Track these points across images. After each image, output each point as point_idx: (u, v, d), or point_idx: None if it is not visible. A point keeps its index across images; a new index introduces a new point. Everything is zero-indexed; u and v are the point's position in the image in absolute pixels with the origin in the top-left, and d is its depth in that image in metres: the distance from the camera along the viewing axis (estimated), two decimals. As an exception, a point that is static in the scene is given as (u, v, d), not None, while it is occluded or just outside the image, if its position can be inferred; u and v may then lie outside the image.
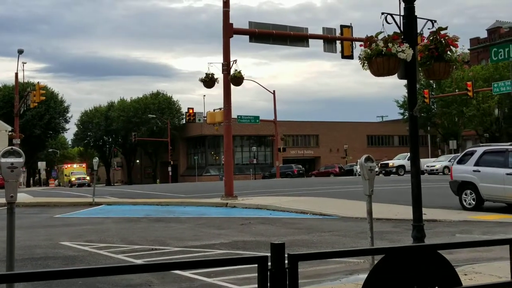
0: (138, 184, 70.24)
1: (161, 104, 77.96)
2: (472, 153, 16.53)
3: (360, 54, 7.20)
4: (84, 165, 76.90)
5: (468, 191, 16.07)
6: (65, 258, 9.95)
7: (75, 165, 75.98)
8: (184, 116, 63.04)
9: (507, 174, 14.48)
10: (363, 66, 7.16)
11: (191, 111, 53.61)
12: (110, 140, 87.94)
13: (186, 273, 8.20)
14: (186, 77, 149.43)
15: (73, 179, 66.37)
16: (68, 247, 11.20)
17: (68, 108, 77.47)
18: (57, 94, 76.55)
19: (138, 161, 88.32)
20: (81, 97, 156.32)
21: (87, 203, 22.96)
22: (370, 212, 7.34)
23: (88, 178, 67.54)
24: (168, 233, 13.19)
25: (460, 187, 16.35)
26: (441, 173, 44.82)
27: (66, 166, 75.03)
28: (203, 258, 9.38)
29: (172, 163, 71.97)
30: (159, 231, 13.67)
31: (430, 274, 3.38)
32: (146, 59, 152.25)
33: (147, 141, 75.80)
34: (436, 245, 3.49)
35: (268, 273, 3.03)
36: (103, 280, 7.73)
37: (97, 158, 26.21)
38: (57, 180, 77.53)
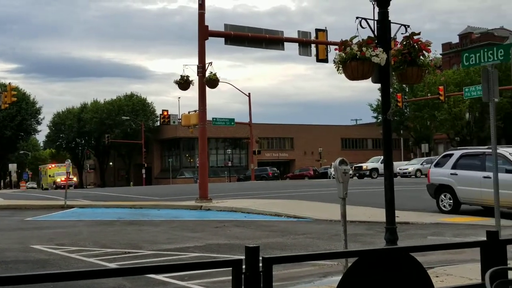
0: (111, 186, 69.42)
1: (135, 106, 77.31)
2: (449, 156, 16.74)
3: (335, 58, 7.26)
4: (68, 164, 74.36)
5: (445, 194, 16.26)
6: (36, 261, 9.78)
7: (60, 165, 69.27)
8: (159, 118, 62.65)
9: (484, 177, 14.66)
10: (337, 70, 7.22)
11: (165, 113, 53.29)
12: (83, 142, 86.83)
13: (160, 277, 8.13)
14: (160, 79, 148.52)
15: (58, 180, 61.94)
16: (39, 250, 11.00)
17: (40, 110, 76.25)
18: (29, 95, 75.28)
19: (111, 163, 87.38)
20: (52, 98, 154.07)
21: (59, 206, 22.61)
22: (344, 214, 7.38)
23: (75, 179, 64.05)
24: (141, 236, 13.07)
25: (437, 190, 16.54)
26: (414, 176, 45.39)
27: (50, 166, 70.52)
28: (177, 262, 9.31)
29: (146, 166, 71.37)
30: (132, 234, 13.53)
31: (402, 276, 3.42)
32: (120, 61, 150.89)
33: (121, 143, 75.06)
34: (408, 247, 3.52)
35: (243, 276, 3.02)
36: (75, 284, 7.61)
37: (69, 160, 25.84)
38: (39, 182, 72.81)
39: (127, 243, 11.87)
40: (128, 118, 72.96)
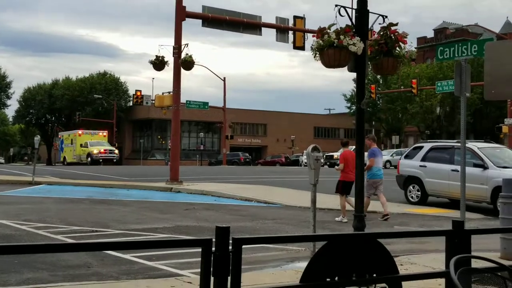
0: (80, 165, 68.56)
1: (108, 85, 76.27)
2: (419, 149, 16.99)
3: (312, 45, 7.27)
4: (104, 133, 55.33)
5: (414, 186, 16.53)
6: (1, 236, 9.63)
7: (93, 133, 54.47)
8: (131, 98, 61.89)
9: (452, 170, 14.94)
10: (314, 57, 7.23)
11: (138, 93, 52.66)
12: (53, 119, 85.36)
13: (127, 256, 8.10)
14: (132, 59, 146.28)
15: (95, 151, 47.85)
16: (5, 225, 10.84)
17: (10, 84, 74.60)
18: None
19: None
20: (21, 73, 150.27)
21: (27, 182, 22.24)
22: (314, 201, 7.45)
23: (116, 151, 50.31)
24: (110, 215, 12.98)
25: (406, 181, 16.80)
26: (383, 167, 45.97)
27: (79, 133, 52.88)
28: (146, 239, 9.30)
29: (117, 146, 70.64)
30: (101, 213, 13.42)
31: (369, 262, 3.47)
32: (91, 38, 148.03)
33: (92, 121, 74.05)
34: (376, 233, 3.58)
35: (212, 256, 3.03)
36: (41, 261, 7.53)
37: (38, 136, 25.39)
38: (61, 154, 56.59)
39: (95, 221, 11.78)
40: (100, 96, 71.96)
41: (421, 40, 78.87)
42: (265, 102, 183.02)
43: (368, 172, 13.12)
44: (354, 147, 7.83)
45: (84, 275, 7.03)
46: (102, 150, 48.35)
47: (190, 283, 6.43)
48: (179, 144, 25.14)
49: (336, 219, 12.82)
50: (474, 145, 15.59)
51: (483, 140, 18.21)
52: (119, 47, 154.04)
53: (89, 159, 47.53)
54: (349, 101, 71.96)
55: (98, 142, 50.74)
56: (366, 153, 10.36)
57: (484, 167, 14.66)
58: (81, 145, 50.07)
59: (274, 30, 24.91)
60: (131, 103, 70.86)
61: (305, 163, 8.32)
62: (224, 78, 56.65)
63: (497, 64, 7.87)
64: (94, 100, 73.92)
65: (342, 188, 13.01)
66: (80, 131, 53.41)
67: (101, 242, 2.90)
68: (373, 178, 13.32)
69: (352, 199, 12.86)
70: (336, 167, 14.18)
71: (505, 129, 45.01)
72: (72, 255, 7.87)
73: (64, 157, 54.19)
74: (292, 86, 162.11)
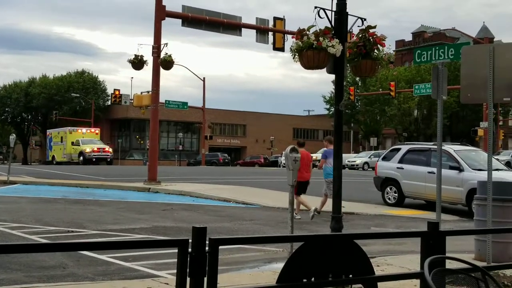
0: (56, 165, 67.71)
1: (86, 83, 75.45)
2: (396, 151, 17.15)
3: (291, 46, 7.29)
4: (97, 130, 52.42)
5: (391, 187, 16.67)
6: (-26, 237, 9.46)
7: (83, 130, 50.56)
8: (110, 98, 61.32)
9: (429, 172, 15.09)
10: (293, 58, 7.26)
11: (117, 92, 52.19)
12: (30, 117, 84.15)
13: (103, 257, 8.02)
14: (110, 58, 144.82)
15: (88, 150, 44.33)
16: (-23, 226, 10.65)
17: (-15, 81, 73.29)
18: (-26, 65, 72.19)
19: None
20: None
21: (1, 181, 21.88)
22: (292, 202, 7.47)
23: (110, 150, 46.59)
24: (86, 215, 12.83)
25: (384, 183, 16.94)
26: (361, 169, 46.41)
27: (71, 130, 49.24)
28: (122, 239, 9.22)
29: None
30: (77, 213, 13.27)
31: (345, 263, 3.49)
32: (69, 36, 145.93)
33: (69, 120, 73.15)
34: (352, 234, 3.59)
35: (189, 256, 3.01)
36: (15, 262, 7.42)
37: (14, 135, 25.01)
38: (50, 153, 52.27)
39: (71, 221, 11.64)
40: (78, 95, 71.18)
41: (400, 43, 79.70)
42: (245, 102, 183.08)
43: (324, 172, 13.98)
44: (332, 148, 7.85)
45: (59, 276, 6.94)
46: (95, 149, 44.91)
47: (167, 284, 6.39)
48: (158, 144, 24.98)
49: (297, 217, 13.04)
50: (450, 147, 15.79)
51: (459, 143, 18.46)
52: (98, 46, 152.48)
53: (81, 158, 44.35)
54: (328, 102, 72.35)
55: (90, 140, 47.33)
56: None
57: (459, 169, 14.86)
58: (72, 143, 46.43)
59: (254, 31, 24.94)
60: (109, 102, 70.27)
61: (284, 164, 8.40)
62: (204, 78, 56.52)
63: (473, 68, 7.98)
64: (71, 99, 73.10)
65: (298, 188, 13.18)
66: (70, 128, 50.12)
67: (76, 242, 2.85)
68: (329, 177, 13.43)
69: (304, 199, 13.57)
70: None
71: (480, 132, 45.75)
72: (47, 256, 7.77)
73: (53, 156, 50.39)
74: (271, 87, 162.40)
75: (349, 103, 59.51)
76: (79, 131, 49.37)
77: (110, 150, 46.72)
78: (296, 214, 12.89)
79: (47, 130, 56.74)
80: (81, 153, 44.69)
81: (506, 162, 41.59)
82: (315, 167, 16.26)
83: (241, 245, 8.88)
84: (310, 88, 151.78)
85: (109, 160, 45.13)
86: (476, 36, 59.94)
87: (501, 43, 11.87)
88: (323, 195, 14.13)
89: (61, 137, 49.15)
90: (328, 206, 11.61)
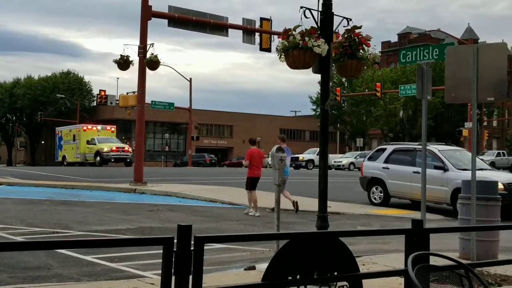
0: (42, 166, 67.15)
1: (72, 84, 74.91)
2: (382, 151, 17.24)
3: (277, 46, 7.30)
4: (113, 127, 47.79)
5: (377, 187, 16.76)
6: (-43, 238, 9.36)
7: (98, 127, 45.70)
8: (95, 98, 60.90)
9: (414, 172, 15.19)
10: (280, 58, 7.27)
11: (103, 93, 51.91)
12: (14, 118, 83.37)
13: (88, 257, 7.98)
14: (96, 58, 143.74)
15: (105, 149, 39.65)
16: (-39, 227, 10.53)
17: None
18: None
19: (43, 142, 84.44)
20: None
21: (-15, 183, 21.67)
22: (278, 201, 7.48)
23: (130, 150, 40.45)
24: (71, 216, 12.74)
25: (369, 183, 17.02)
26: (347, 169, 46.62)
27: (84, 128, 44.57)
28: (106, 238, 9.15)
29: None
30: (62, 214, 13.17)
31: (331, 260, 3.51)
32: (56, 37, 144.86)
33: (54, 121, 72.61)
34: (337, 232, 3.61)
35: (174, 255, 3.01)
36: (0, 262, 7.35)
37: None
38: (59, 153, 47.02)
39: (56, 223, 11.55)
40: (63, 96, 70.62)
41: (385, 44, 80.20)
42: (232, 103, 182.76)
43: None
44: (318, 149, 7.87)
45: (44, 277, 6.89)
46: (114, 148, 40.31)
47: (153, 284, 6.37)
48: (144, 145, 24.87)
49: (250, 214, 13.75)
50: (435, 147, 15.91)
51: (444, 143, 18.60)
52: (84, 46, 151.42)
53: (97, 158, 39.90)
54: (315, 103, 72.57)
55: (107, 138, 42.85)
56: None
57: (444, 169, 14.98)
58: (87, 142, 41.67)
59: (240, 32, 24.93)
60: (95, 103, 69.82)
61: (270, 165, 8.44)
62: (190, 79, 56.41)
63: (457, 68, 8.06)
64: (57, 100, 72.53)
65: (250, 184, 14.17)
66: (84, 126, 45.67)
67: (59, 240, 2.84)
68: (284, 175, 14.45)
69: (255, 196, 14.08)
70: (243, 162, 15.87)
71: (465, 132, 46.18)
72: (32, 257, 7.71)
73: (64, 157, 45.33)
74: (258, 88, 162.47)
75: (335, 103, 59.68)
76: (94, 128, 44.85)
77: (130, 149, 40.94)
78: (255, 211, 13.77)
79: (56, 128, 51.79)
80: (97, 153, 40.21)
81: (491, 162, 42.07)
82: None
83: (228, 244, 8.88)
84: (296, 89, 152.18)
85: (128, 160, 39.68)
86: (461, 37, 60.48)
87: (485, 44, 12.00)
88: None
89: (73, 135, 44.24)
90: (315, 205, 11.63)
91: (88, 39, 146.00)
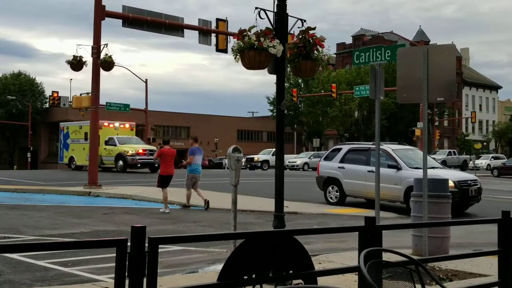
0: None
1: (23, 86, 72.87)
2: (338, 151, 17.46)
3: (233, 46, 7.31)
4: (133, 124, 40.24)
5: (333, 187, 16.96)
6: None
7: (116, 124, 37.03)
8: (48, 100, 59.43)
9: (368, 171, 15.46)
10: (235, 58, 7.28)
11: (55, 94, 50.70)
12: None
13: (41, 262, 7.78)
14: (48, 59, 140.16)
15: (130, 151, 31.95)
16: None
17: None
18: None
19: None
20: None
21: None
22: (234, 201, 7.48)
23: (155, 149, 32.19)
24: (23, 221, 12.40)
25: (326, 182, 17.21)
26: (301, 169, 47.08)
27: (100, 124, 28.13)
28: (57, 240, 8.95)
29: (31, 149, 67.57)
30: (14, 219, 12.79)
31: (286, 259, 3.53)
32: (5, 37, 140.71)
33: (5, 124, 70.50)
34: (292, 230, 3.64)
35: (127, 256, 2.97)
36: None
37: None
38: (65, 153, 38.12)
39: (7, 227, 11.21)
40: (14, 98, 68.65)
41: (340, 46, 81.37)
42: (188, 104, 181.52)
43: (189, 168, 15.60)
44: (273, 149, 7.91)
45: (-7, 284, 6.67)
46: (140, 151, 32.31)
47: (107, 287, 6.27)
48: (98, 147, 24.40)
49: (160, 210, 14.38)
50: (388, 147, 16.24)
51: (397, 143, 19.01)
52: (34, 47, 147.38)
53: (120, 162, 32.48)
54: (272, 104, 72.88)
55: (128, 138, 35.29)
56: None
57: (398, 168, 15.30)
58: (106, 143, 33.28)
59: (196, 32, 24.81)
60: (47, 105, 68.10)
61: (228, 166, 8.42)
62: (146, 79, 55.79)
63: (408, 69, 8.25)
64: (7, 102, 70.42)
65: (162, 182, 14.89)
66: (100, 122, 31.07)
67: (8, 244, 2.76)
68: (193, 173, 15.55)
69: (168, 195, 14.72)
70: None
71: (417, 132, 47.36)
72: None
73: (71, 158, 36.74)
74: (215, 89, 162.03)
75: (292, 104, 60.18)
76: (111, 125, 36.14)
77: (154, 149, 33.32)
78: (165, 208, 14.43)
79: (60, 123, 42.16)
80: (120, 156, 32.53)
81: (442, 160, 43.31)
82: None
83: (185, 246, 8.83)
84: (253, 90, 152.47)
85: (156, 165, 29.64)
86: (413, 39, 62.00)
87: (435, 45, 12.32)
88: (186, 189, 15.60)
89: (85, 133, 33.66)
90: (272, 205, 11.71)
91: (38, 39, 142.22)
